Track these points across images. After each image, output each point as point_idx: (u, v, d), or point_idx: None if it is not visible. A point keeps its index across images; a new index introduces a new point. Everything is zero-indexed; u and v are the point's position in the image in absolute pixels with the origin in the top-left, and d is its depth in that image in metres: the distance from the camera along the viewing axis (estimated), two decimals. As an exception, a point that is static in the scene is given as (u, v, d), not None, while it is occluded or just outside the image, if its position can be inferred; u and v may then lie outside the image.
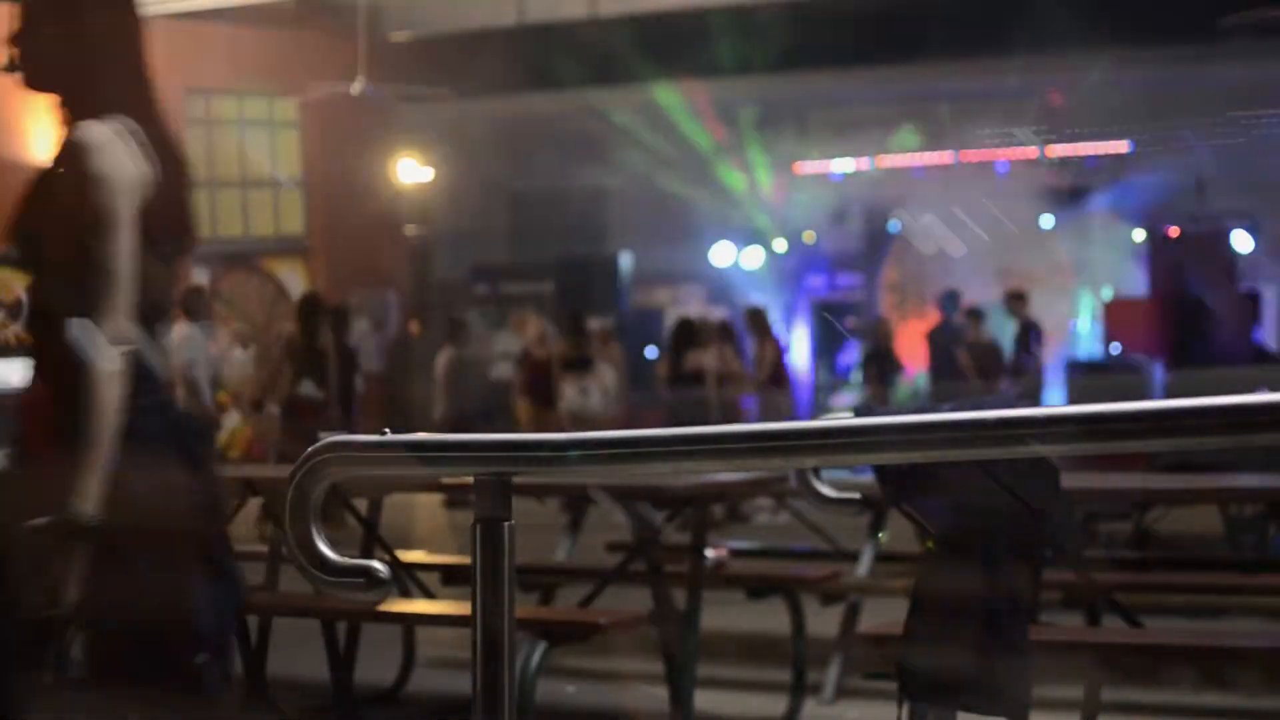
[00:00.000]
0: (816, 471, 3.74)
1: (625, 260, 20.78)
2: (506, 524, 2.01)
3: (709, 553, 5.56)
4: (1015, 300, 16.25)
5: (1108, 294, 19.42)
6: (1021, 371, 15.50)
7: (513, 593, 2.00)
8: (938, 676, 3.73)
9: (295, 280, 21.65)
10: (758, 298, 20.64)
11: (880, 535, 7.45)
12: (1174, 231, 18.41)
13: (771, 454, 1.85)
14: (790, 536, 10.76)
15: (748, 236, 21.23)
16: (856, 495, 3.75)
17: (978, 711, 4.21)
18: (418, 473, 2.14)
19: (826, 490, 3.81)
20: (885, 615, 6.14)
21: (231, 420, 16.15)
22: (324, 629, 5.57)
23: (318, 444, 2.07)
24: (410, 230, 23.18)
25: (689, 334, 14.10)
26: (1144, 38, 17.26)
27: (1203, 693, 6.17)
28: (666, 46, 20.01)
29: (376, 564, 2.08)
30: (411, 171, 22.37)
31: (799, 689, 5.74)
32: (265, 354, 15.54)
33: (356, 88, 18.36)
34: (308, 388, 11.61)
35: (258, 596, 5.72)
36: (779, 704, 5.83)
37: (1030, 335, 15.95)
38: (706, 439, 1.85)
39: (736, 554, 6.69)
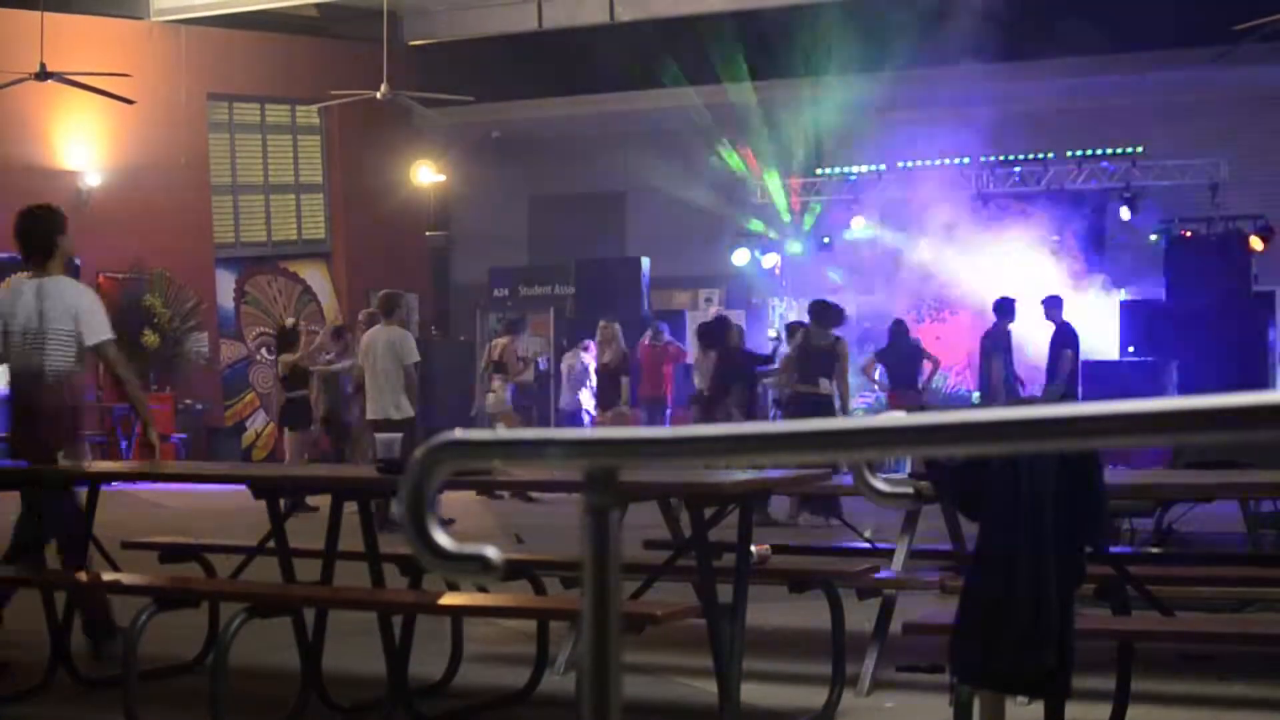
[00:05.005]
0: (871, 468, 3.90)
1: (645, 263, 20.88)
2: (614, 513, 2.15)
3: (752, 549, 5.72)
4: (1051, 305, 16.45)
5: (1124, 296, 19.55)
6: (1059, 372, 15.71)
7: (618, 580, 2.14)
8: (987, 662, 3.90)
9: (319, 283, 21.83)
10: (772, 301, 20.78)
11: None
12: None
13: (876, 446, 1.98)
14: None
15: (765, 241, 21.33)
16: (909, 490, 3.93)
17: (1024, 694, 4.40)
18: (529, 466, 2.27)
19: (881, 485, 3.95)
20: (918, 610, 6.33)
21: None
22: (380, 622, 5.71)
23: (433, 440, 2.21)
24: (430, 234, 23.35)
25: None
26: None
27: (1230, 683, 6.34)
28: (686, 51, 20.16)
29: (489, 549, 2.21)
30: (431, 176, 22.55)
31: (839, 681, 5.87)
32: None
33: (378, 94, 18.51)
34: (825, 386, 12.09)
35: (315, 590, 5.91)
36: (814, 696, 5.94)
37: (1066, 337, 16.15)
38: (811, 434, 2.00)
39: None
